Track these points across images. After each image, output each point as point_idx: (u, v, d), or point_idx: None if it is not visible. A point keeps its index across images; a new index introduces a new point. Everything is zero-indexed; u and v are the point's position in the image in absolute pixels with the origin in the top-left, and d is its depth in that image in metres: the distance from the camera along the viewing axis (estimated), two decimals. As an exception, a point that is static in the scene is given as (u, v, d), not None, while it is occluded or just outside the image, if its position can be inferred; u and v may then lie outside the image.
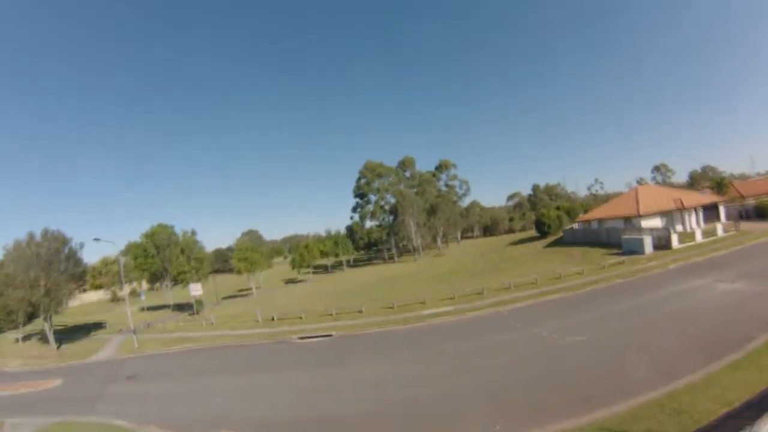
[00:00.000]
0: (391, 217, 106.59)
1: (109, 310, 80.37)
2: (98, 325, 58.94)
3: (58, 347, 44.14)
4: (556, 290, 33.54)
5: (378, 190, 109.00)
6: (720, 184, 72.59)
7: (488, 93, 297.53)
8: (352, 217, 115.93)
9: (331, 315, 38.46)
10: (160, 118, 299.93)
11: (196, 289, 52.16)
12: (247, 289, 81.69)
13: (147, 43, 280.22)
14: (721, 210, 53.21)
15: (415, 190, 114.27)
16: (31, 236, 43.45)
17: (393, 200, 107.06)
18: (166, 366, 31.81)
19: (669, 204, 49.26)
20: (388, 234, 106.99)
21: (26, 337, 51.46)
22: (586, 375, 16.55)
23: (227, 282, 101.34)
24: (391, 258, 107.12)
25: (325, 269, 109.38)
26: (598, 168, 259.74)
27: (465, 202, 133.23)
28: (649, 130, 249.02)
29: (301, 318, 39.80)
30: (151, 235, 67.60)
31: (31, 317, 47.76)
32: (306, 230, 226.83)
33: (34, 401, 26.63)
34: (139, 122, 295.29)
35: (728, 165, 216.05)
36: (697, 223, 49.79)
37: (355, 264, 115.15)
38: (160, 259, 66.42)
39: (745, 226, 47.41)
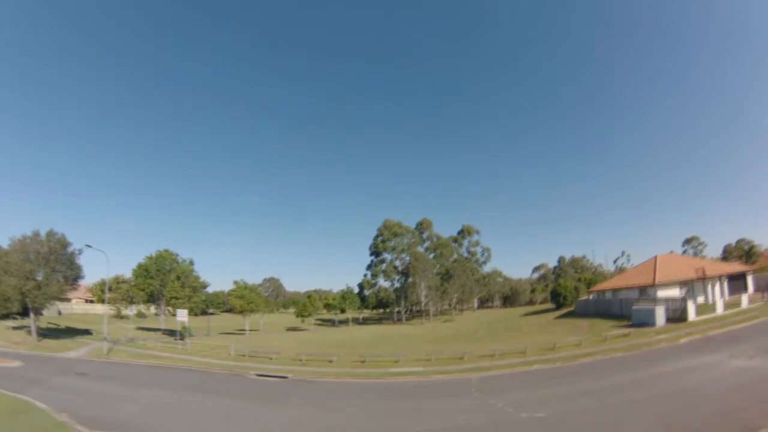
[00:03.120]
0: (404, 278, 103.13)
1: (108, 324, 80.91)
2: (86, 332, 60.84)
3: (39, 340, 47.54)
4: (541, 361, 28.95)
5: (393, 249, 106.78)
6: (749, 253, 65.88)
7: (521, 163, 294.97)
8: (365, 275, 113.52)
9: (300, 360, 37.14)
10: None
11: (182, 315, 52.19)
12: (242, 330, 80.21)
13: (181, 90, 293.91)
14: (749, 280, 47.20)
15: (432, 254, 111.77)
16: (36, 234, 47.28)
17: (408, 260, 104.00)
18: (120, 373, 32.70)
19: (689, 273, 43.82)
20: (398, 295, 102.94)
21: (18, 327, 55.37)
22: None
23: (231, 321, 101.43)
24: (399, 320, 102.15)
25: (332, 323, 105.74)
26: (628, 242, 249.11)
27: (486, 270, 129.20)
28: (685, 205, 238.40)
29: (271, 358, 38.82)
30: (155, 259, 71.40)
31: (26, 311, 50.99)
32: (330, 286, 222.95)
33: (-13, 374, 28.86)
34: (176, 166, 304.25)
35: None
36: (721, 294, 43.87)
37: (364, 322, 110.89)
38: (158, 282, 69.48)
39: (777, 296, 41.41)
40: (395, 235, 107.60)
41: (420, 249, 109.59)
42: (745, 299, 39.47)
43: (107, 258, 46.74)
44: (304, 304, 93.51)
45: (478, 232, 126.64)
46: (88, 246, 46.66)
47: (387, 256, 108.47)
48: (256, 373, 31.61)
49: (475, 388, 22.68)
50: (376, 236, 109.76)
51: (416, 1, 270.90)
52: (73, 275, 51.29)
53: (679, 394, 17.58)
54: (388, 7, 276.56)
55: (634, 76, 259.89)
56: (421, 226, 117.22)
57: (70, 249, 49.87)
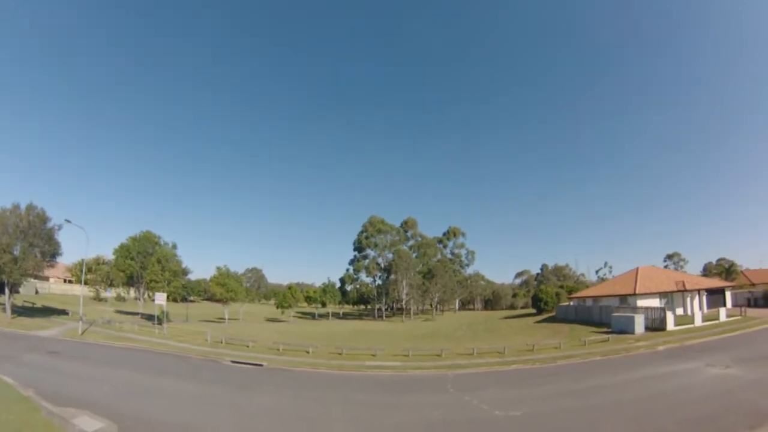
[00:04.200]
0: (386, 275, 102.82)
1: (85, 305, 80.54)
2: (63, 312, 59.95)
3: (14, 317, 46.61)
4: (520, 361, 28.79)
5: (377, 246, 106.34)
6: (728, 270, 67.13)
7: (512, 170, 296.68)
8: (348, 269, 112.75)
9: (277, 350, 36.56)
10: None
11: (160, 299, 51.51)
12: (221, 319, 78.69)
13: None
14: (728, 295, 47.81)
15: (416, 253, 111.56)
16: (16, 207, 46.74)
17: (391, 257, 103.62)
18: (93, 353, 32.09)
19: (669, 285, 44.24)
20: (379, 292, 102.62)
21: None
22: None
23: (210, 308, 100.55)
24: (380, 317, 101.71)
25: (312, 317, 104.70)
26: (611, 254, 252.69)
27: (469, 272, 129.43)
28: (669, 223, 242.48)
29: (247, 346, 38.32)
30: (138, 240, 69.78)
31: (1, 287, 49.79)
32: (311, 279, 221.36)
33: (-44, 350, 28.47)
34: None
35: (749, 261, 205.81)
36: (700, 306, 44.37)
37: (344, 317, 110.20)
38: (139, 264, 68.01)
39: (753, 312, 42.09)
40: (380, 231, 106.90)
41: (404, 247, 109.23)
42: (723, 313, 39.93)
43: (86, 235, 46.00)
44: (285, 296, 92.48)
45: (463, 235, 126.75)
46: (68, 221, 45.85)
47: (370, 252, 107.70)
48: (232, 360, 30.92)
49: (451, 385, 22.35)
50: (361, 232, 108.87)
51: (415, 3, 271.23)
52: (51, 251, 50.50)
53: (656, 398, 17.48)
54: (384, 8, 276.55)
55: (622, 91, 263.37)
56: (406, 225, 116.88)
57: (49, 224, 49.04)
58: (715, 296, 46.70)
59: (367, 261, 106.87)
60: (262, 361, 30.76)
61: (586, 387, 20.22)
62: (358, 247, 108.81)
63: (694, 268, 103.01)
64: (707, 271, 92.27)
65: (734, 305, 47.58)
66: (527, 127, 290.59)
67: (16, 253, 45.75)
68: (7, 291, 46.90)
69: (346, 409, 18.06)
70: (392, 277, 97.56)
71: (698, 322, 37.75)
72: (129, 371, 25.35)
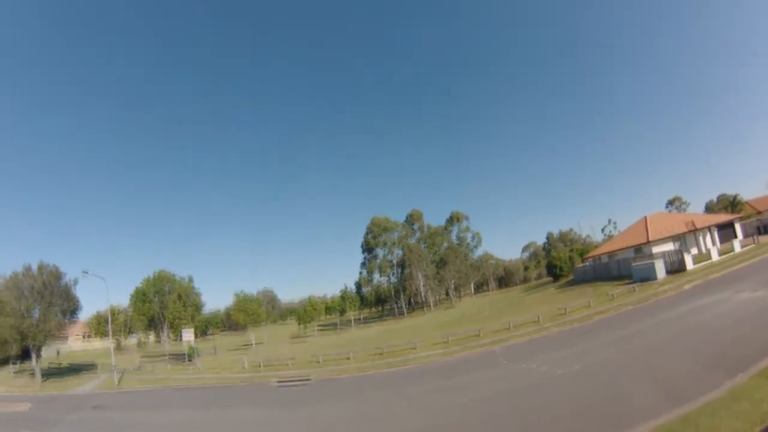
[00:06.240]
0: (400, 271, 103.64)
1: (110, 356, 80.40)
2: (91, 366, 59.49)
3: (44, 381, 45.36)
4: (558, 325, 29.84)
5: (385, 244, 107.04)
6: (733, 203, 68.59)
7: (500, 145, 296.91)
8: (361, 273, 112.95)
9: (318, 362, 36.93)
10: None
11: (188, 335, 52.43)
12: (247, 345, 79.33)
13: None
14: (738, 227, 49.05)
15: (425, 244, 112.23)
16: (28, 268, 45.48)
17: (401, 254, 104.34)
18: (136, 400, 31.99)
19: (680, 228, 45.41)
20: (396, 289, 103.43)
21: (20, 371, 54.63)
22: (573, 406, 12.86)
23: (232, 338, 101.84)
24: (401, 314, 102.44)
25: (334, 327, 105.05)
26: (613, 211, 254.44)
27: (477, 254, 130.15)
28: (665, 167, 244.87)
29: (287, 365, 38.61)
30: (153, 282, 69.34)
31: (26, 354, 49.33)
32: (323, 292, 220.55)
33: (-1, 419, 28.06)
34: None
35: (749, 191, 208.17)
36: (713, 242, 45.61)
37: (365, 321, 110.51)
38: (158, 304, 67.43)
39: (766, 239, 43.29)
40: (385, 230, 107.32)
41: (412, 240, 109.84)
42: (737, 244, 41.10)
43: (106, 284, 46.41)
44: (305, 310, 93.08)
45: (467, 218, 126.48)
46: (85, 272, 45.30)
47: (379, 251, 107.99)
48: (278, 380, 31.15)
49: (502, 357, 23.29)
50: (366, 233, 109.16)
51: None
52: (71, 308, 49.40)
53: (699, 328, 18.60)
54: (380, 7, 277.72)
55: (594, 52, 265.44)
56: (412, 218, 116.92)
57: (64, 280, 47.75)
58: (726, 230, 47.97)
59: (378, 260, 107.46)
60: (308, 375, 31.21)
61: (630, 333, 21.25)
62: (367, 249, 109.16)
63: (696, 208, 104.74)
64: (710, 209, 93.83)
65: (745, 236, 48.78)
66: (508, 102, 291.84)
67: (36, 316, 44.83)
68: (33, 356, 45.84)
69: (411, 401, 18.41)
70: (407, 271, 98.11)
71: (715, 257, 38.91)
72: (179, 410, 25.53)
